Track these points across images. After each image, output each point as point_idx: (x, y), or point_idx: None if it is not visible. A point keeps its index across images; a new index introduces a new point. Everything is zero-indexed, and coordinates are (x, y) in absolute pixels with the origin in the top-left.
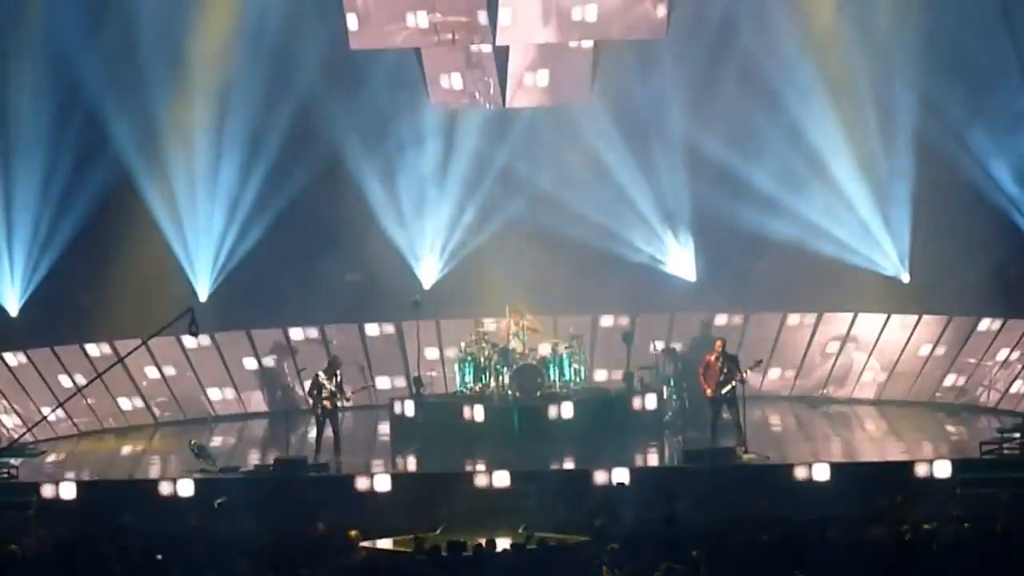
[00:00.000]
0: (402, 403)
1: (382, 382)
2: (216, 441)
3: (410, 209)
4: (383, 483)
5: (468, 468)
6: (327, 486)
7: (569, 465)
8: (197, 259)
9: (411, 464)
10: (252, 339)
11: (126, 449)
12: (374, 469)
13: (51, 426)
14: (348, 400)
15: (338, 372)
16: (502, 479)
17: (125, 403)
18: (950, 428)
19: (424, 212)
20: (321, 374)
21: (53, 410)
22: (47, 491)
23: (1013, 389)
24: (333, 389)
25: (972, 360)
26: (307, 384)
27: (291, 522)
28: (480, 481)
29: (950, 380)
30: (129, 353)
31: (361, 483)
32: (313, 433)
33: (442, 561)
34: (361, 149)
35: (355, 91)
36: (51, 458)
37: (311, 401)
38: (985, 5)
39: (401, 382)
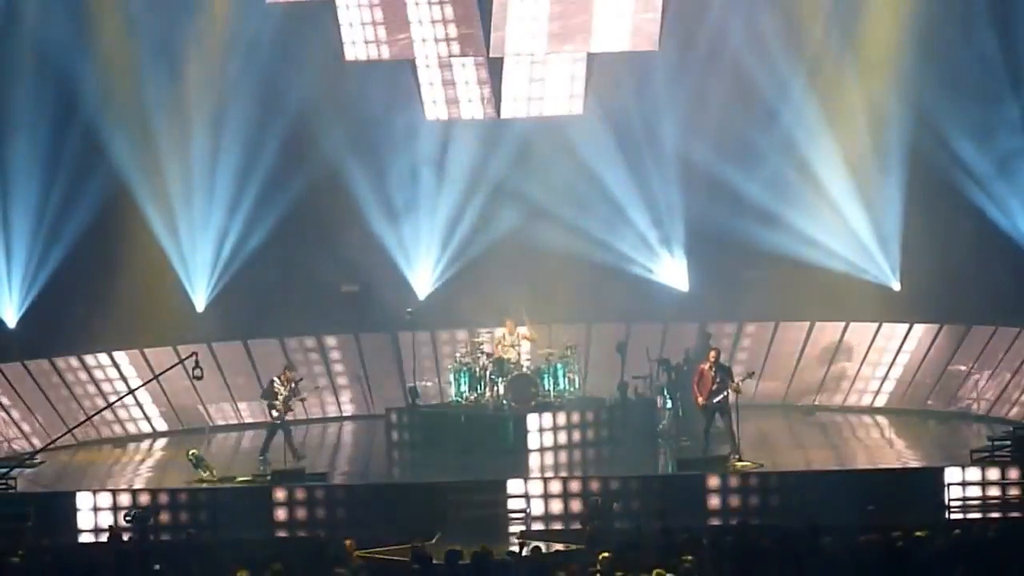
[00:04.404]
0: (398, 413)
1: (378, 392)
2: (213, 451)
3: (405, 220)
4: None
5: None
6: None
7: (562, 473)
8: (194, 270)
9: (407, 474)
10: (249, 349)
11: (124, 459)
12: (370, 479)
13: (48, 435)
14: (303, 400)
15: (293, 379)
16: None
17: (123, 413)
18: (941, 436)
19: (419, 223)
20: (276, 380)
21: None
22: (45, 502)
23: (1003, 397)
24: (287, 394)
25: (963, 368)
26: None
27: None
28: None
29: (941, 388)
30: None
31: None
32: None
33: (439, 570)
34: (356, 161)
35: (350, 103)
36: (48, 468)
37: (266, 407)
38: (976, 15)
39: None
